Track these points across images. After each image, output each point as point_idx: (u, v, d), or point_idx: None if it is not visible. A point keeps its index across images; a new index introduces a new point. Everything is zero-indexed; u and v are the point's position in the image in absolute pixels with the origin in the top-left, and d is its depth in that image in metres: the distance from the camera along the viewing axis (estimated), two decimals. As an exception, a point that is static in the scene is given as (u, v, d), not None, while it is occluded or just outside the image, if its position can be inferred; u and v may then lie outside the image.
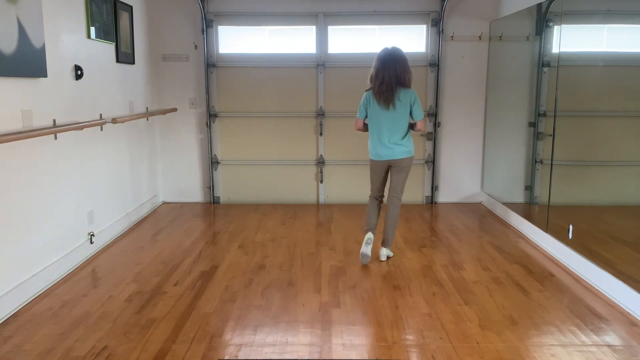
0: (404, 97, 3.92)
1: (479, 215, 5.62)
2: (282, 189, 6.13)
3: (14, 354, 2.73)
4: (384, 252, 4.14)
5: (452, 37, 5.84)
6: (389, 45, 4.04)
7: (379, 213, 4.20)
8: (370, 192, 4.24)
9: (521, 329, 3.01)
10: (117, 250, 4.42)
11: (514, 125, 5.29)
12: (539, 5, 4.64)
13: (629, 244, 3.54)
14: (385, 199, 4.24)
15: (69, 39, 3.93)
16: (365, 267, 4.01)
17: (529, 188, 4.95)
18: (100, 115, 4.42)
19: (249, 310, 3.25)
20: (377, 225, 4.21)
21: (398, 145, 3.99)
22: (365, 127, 4.12)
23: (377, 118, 3.97)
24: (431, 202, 6.13)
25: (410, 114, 3.99)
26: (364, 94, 4.03)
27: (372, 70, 3.97)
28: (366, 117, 4.06)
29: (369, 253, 4.02)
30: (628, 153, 3.62)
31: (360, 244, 4.55)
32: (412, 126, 4.04)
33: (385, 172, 4.13)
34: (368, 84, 4.03)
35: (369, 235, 4.09)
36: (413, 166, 6.00)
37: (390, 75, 3.86)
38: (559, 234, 4.18)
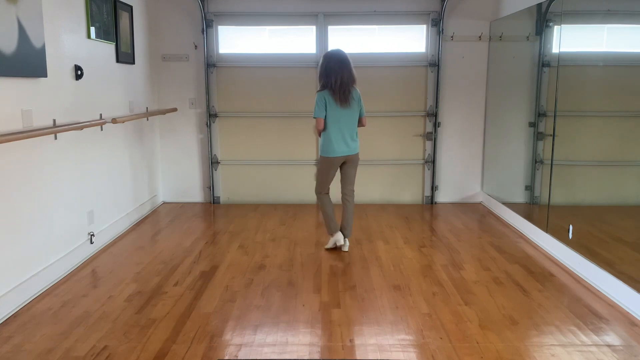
0: (355, 96, 4.21)
1: (479, 215, 5.62)
2: (282, 189, 6.12)
3: (14, 354, 2.73)
4: (348, 243, 4.41)
5: (452, 37, 5.84)
6: (334, 47, 4.34)
7: None
8: (319, 189, 4.39)
9: (521, 329, 3.01)
10: (117, 250, 4.42)
11: (514, 125, 5.29)
12: (539, 5, 4.64)
13: (629, 244, 3.54)
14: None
15: (69, 39, 3.93)
16: (365, 267, 4.01)
17: (529, 188, 4.95)
18: (100, 115, 4.43)
19: (249, 310, 3.26)
20: None
21: (354, 141, 4.26)
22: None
23: (337, 117, 4.15)
24: (431, 202, 6.13)
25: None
26: (318, 94, 4.16)
27: (320, 70, 4.17)
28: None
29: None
30: (628, 153, 3.62)
31: (360, 244, 4.56)
32: (358, 122, 4.30)
33: (338, 168, 4.34)
34: (319, 86, 4.21)
35: (340, 235, 4.37)
36: (413, 166, 6.10)
37: (348, 76, 4.11)
38: (559, 234, 4.18)
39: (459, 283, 3.68)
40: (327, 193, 4.39)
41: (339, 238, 4.34)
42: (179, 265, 4.04)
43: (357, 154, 4.31)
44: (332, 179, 4.36)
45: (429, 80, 5.93)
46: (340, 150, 4.19)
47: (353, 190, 4.41)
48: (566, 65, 4.19)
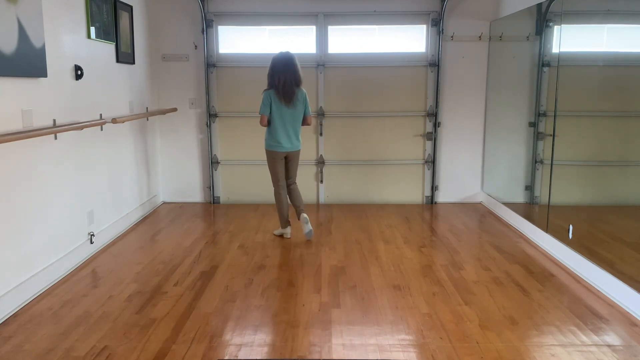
0: (300, 96, 4.52)
1: (479, 215, 5.62)
2: (282, 189, 6.12)
3: (14, 354, 2.73)
4: (307, 218, 4.64)
5: (452, 37, 5.84)
6: (283, 50, 4.55)
7: None
8: (275, 183, 4.67)
9: (521, 329, 3.01)
10: (117, 250, 4.42)
11: (514, 125, 5.29)
12: (539, 5, 4.64)
13: (629, 244, 3.54)
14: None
15: (69, 39, 3.93)
16: (365, 267, 4.01)
17: (529, 188, 4.95)
18: (100, 115, 4.43)
19: (249, 310, 3.26)
20: None
21: (297, 139, 4.62)
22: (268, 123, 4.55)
23: (281, 114, 4.48)
24: (431, 202, 6.13)
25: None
26: (265, 93, 4.47)
27: (268, 71, 4.47)
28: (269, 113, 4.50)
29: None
30: (628, 153, 3.62)
31: (360, 244, 4.56)
32: (303, 120, 4.62)
33: (283, 161, 4.65)
34: (267, 85, 4.49)
35: (289, 230, 4.73)
36: (413, 166, 6.11)
37: (291, 77, 4.42)
38: (559, 234, 4.18)
39: (459, 283, 3.68)
40: (283, 186, 4.68)
41: (286, 232, 4.72)
42: (179, 265, 4.04)
43: (298, 151, 4.66)
44: (281, 171, 4.65)
45: (429, 80, 5.93)
46: (282, 145, 4.53)
47: (295, 180, 4.77)
48: (566, 65, 4.19)
